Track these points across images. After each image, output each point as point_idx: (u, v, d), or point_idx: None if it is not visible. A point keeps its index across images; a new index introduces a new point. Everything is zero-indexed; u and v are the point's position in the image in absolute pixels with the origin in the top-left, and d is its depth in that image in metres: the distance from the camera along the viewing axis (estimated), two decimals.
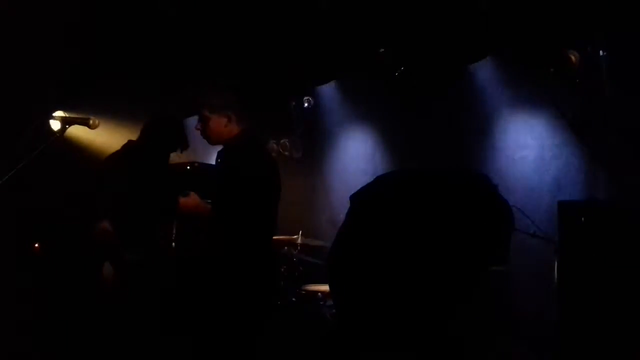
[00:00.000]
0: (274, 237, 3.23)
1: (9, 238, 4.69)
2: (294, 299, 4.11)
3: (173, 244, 3.37)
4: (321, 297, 3.98)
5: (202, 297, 3.04)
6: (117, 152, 3.87)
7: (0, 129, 4.33)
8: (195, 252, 3.35)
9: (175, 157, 4.03)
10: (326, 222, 5.18)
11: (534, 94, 3.94)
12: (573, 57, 3.14)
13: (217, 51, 4.89)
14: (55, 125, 3.10)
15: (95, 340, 3.72)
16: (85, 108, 4.05)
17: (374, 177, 1.69)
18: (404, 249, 1.34)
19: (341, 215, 1.62)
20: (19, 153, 2.61)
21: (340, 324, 1.48)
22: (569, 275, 3.06)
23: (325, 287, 3.92)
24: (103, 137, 4.98)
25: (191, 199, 3.10)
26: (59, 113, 3.15)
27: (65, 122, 2.88)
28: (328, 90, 5.51)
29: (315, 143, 5.60)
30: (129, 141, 3.90)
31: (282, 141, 5.47)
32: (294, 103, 5.42)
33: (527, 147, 4.04)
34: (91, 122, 2.87)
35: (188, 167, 4.19)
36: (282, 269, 4.30)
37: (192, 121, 3.49)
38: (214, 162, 3.37)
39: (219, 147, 3.25)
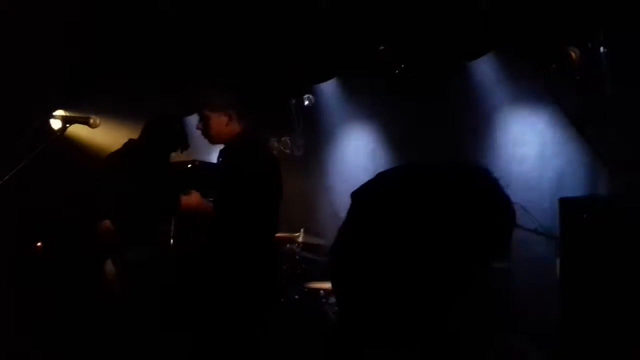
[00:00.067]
0: (276, 235, 3.24)
1: (10, 238, 4.69)
2: (296, 297, 4.12)
3: (172, 241, 3.37)
4: (323, 295, 3.98)
5: (205, 295, 3.04)
6: (118, 151, 3.88)
7: (1, 129, 4.33)
8: (195, 251, 3.35)
9: (176, 156, 4.03)
10: (329, 217, 5.18)
11: (535, 90, 3.93)
12: (574, 54, 3.13)
13: (217, 51, 4.89)
14: (55, 124, 3.10)
15: (98, 339, 3.73)
16: (86, 107, 4.05)
17: (375, 174, 1.69)
18: (404, 245, 1.33)
19: (342, 213, 1.62)
20: (20, 152, 2.61)
21: (343, 321, 1.47)
22: (570, 273, 3.06)
23: (327, 285, 3.92)
24: (104, 136, 4.98)
25: (193, 198, 3.11)
26: (59, 112, 3.15)
27: (66, 121, 2.89)
28: (329, 88, 5.50)
29: (316, 141, 5.60)
30: (130, 140, 3.91)
31: (283, 139, 5.47)
32: (294, 101, 5.42)
33: (528, 144, 4.03)
34: (92, 121, 2.87)
35: (189, 166, 4.19)
36: (284, 267, 4.30)
37: (193, 120, 3.49)
38: (214, 161, 3.37)
39: (220, 146, 3.26)
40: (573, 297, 3.02)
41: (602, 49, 3.33)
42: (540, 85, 3.77)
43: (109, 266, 3.58)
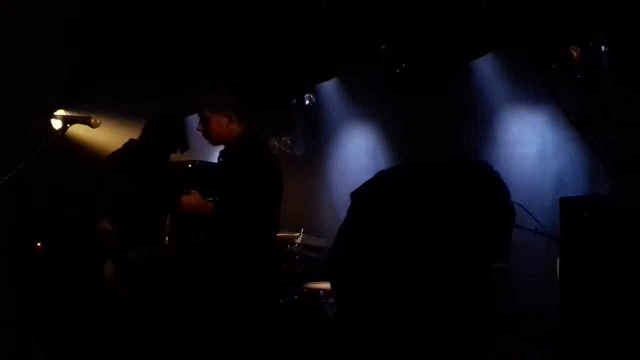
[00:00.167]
0: (276, 235, 3.24)
1: (10, 237, 4.69)
2: (296, 297, 4.11)
3: (167, 238, 3.36)
4: (323, 295, 3.98)
5: (205, 295, 3.04)
6: (118, 151, 3.88)
7: (2, 129, 4.33)
8: (195, 251, 3.35)
9: (176, 156, 4.03)
10: (329, 217, 5.18)
11: (536, 89, 3.93)
12: (574, 53, 3.12)
13: (217, 51, 4.89)
14: (56, 124, 3.10)
15: (98, 339, 3.72)
16: (86, 107, 4.05)
17: (376, 174, 1.68)
18: (404, 245, 1.33)
19: (343, 213, 1.62)
20: (21, 152, 2.61)
21: (342, 321, 1.48)
22: (571, 272, 3.05)
23: (327, 285, 3.92)
24: (104, 136, 4.98)
25: (193, 198, 3.10)
26: (60, 112, 3.15)
27: (67, 121, 2.88)
28: (329, 87, 5.50)
29: (316, 140, 5.60)
30: (130, 140, 3.91)
31: (283, 139, 5.47)
32: (295, 101, 5.42)
33: (529, 143, 4.03)
34: (92, 121, 2.86)
35: (189, 166, 4.19)
36: (284, 267, 4.30)
37: (193, 120, 3.49)
38: (215, 161, 3.37)
39: (221, 147, 3.26)
40: (573, 296, 3.02)
41: (603, 48, 3.32)
42: (541, 85, 3.77)
43: (109, 266, 3.58)
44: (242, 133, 3.15)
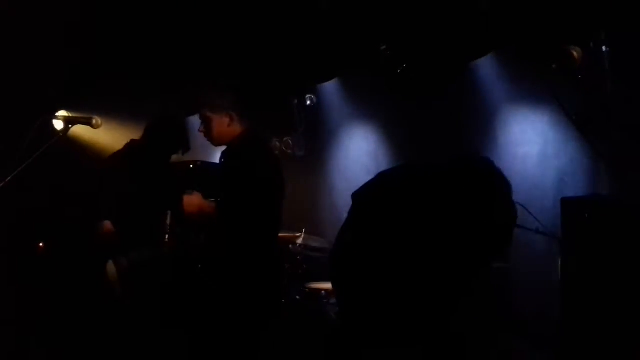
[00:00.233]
0: (278, 235, 3.24)
1: (12, 237, 4.69)
2: (297, 297, 4.11)
3: (167, 236, 3.36)
4: (325, 295, 3.98)
5: (207, 296, 3.04)
6: (119, 151, 3.89)
7: (3, 129, 4.34)
8: (195, 251, 3.35)
9: (177, 157, 4.04)
10: (331, 217, 5.18)
11: (536, 90, 3.92)
12: (575, 53, 3.12)
13: (218, 51, 4.89)
14: (58, 125, 3.10)
15: (99, 340, 3.73)
16: (87, 108, 4.04)
17: (377, 174, 1.68)
18: (406, 245, 1.33)
19: (344, 214, 1.62)
20: (22, 153, 2.61)
21: (344, 321, 1.47)
22: (572, 272, 3.05)
23: (328, 285, 3.92)
24: (105, 136, 4.99)
25: (195, 198, 3.09)
26: (62, 113, 3.15)
27: (68, 121, 2.88)
28: (330, 88, 5.50)
29: (317, 141, 5.60)
30: (131, 141, 3.91)
31: (284, 139, 5.47)
32: (296, 101, 5.42)
33: (530, 143, 4.03)
34: (94, 121, 2.86)
35: (191, 166, 4.19)
36: (286, 267, 4.30)
37: (195, 120, 3.49)
38: (216, 162, 3.37)
39: (223, 148, 3.26)
40: (574, 297, 3.02)
41: (604, 48, 3.32)
42: (542, 85, 3.77)
43: (111, 267, 3.58)
44: (244, 133, 3.15)
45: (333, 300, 3.88)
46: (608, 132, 3.37)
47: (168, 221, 3.37)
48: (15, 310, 4.21)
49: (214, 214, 3.05)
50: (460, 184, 1.39)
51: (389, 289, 1.31)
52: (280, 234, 3.34)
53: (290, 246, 4.45)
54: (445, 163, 1.44)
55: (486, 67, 4.33)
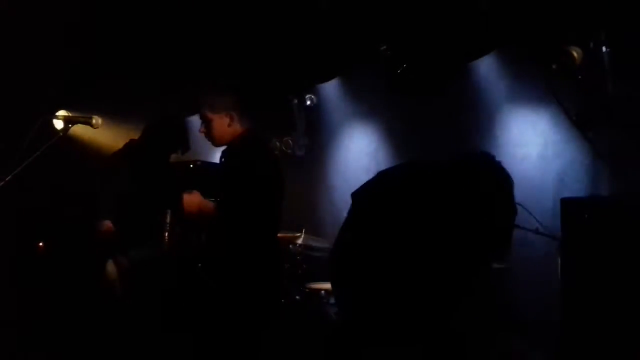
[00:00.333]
0: (277, 235, 3.24)
1: (12, 237, 4.69)
2: (297, 297, 4.11)
3: (166, 234, 3.36)
4: (325, 295, 3.98)
5: (207, 295, 3.04)
6: (119, 151, 3.89)
7: (3, 129, 4.34)
8: (195, 251, 3.35)
9: (177, 157, 4.04)
10: (331, 217, 5.18)
11: (536, 90, 3.92)
12: (575, 54, 3.12)
13: (217, 51, 4.89)
14: (58, 124, 3.10)
15: (99, 340, 3.73)
16: (86, 107, 4.05)
17: (376, 173, 1.68)
18: (405, 244, 1.33)
19: (344, 213, 1.62)
20: (22, 152, 2.61)
21: (344, 321, 1.47)
22: (572, 273, 3.05)
23: (328, 285, 3.92)
24: (105, 136, 4.99)
25: (194, 196, 3.08)
26: (62, 112, 3.15)
27: (68, 121, 2.89)
28: (330, 87, 5.50)
29: (318, 141, 5.60)
30: (131, 140, 3.91)
31: (284, 139, 5.48)
32: (296, 101, 5.42)
33: (530, 144, 4.02)
34: (94, 121, 2.87)
35: (191, 166, 4.19)
36: (286, 267, 4.30)
37: (195, 120, 3.50)
38: (216, 161, 3.37)
39: (223, 148, 3.26)
40: (574, 297, 3.02)
41: (603, 48, 3.32)
42: (542, 85, 3.77)
43: (111, 266, 3.58)
44: (244, 133, 3.15)
45: (333, 300, 3.88)
46: (608, 132, 3.37)
47: (168, 220, 3.37)
48: (15, 310, 4.20)
49: (213, 213, 3.05)
50: (460, 182, 1.38)
51: (388, 289, 1.31)
52: (280, 234, 3.34)
53: (290, 246, 4.45)
54: (445, 161, 1.44)
55: (486, 67, 4.32)
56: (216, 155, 3.40)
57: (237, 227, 2.95)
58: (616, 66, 3.33)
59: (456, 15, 4.03)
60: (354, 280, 1.39)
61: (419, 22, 4.23)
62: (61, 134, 2.87)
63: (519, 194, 1.51)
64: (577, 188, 3.67)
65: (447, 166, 1.44)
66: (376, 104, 5.13)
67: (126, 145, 3.89)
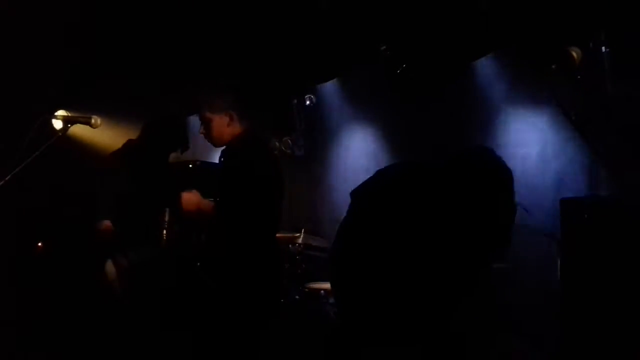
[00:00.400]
0: (277, 235, 3.24)
1: (11, 237, 4.69)
2: (297, 297, 4.11)
3: (164, 232, 3.36)
4: (324, 295, 3.98)
5: (206, 295, 3.04)
6: (118, 151, 3.89)
7: (3, 129, 4.33)
8: (195, 250, 3.35)
9: (177, 156, 4.03)
10: (330, 217, 5.18)
11: (536, 90, 3.92)
12: (575, 54, 3.12)
13: (217, 51, 4.89)
14: (57, 124, 3.10)
15: (98, 340, 3.73)
16: (86, 107, 4.05)
17: (375, 172, 1.68)
18: (405, 243, 1.33)
19: (343, 213, 1.61)
20: (21, 152, 2.61)
21: (343, 320, 1.47)
22: (571, 273, 3.05)
23: (328, 285, 3.92)
24: (105, 136, 4.98)
25: (193, 195, 3.08)
26: (61, 112, 3.15)
27: (68, 121, 2.88)
28: (330, 88, 5.50)
29: (317, 141, 5.59)
30: (130, 140, 3.91)
31: (284, 139, 5.47)
32: (295, 101, 5.42)
33: (529, 144, 4.02)
34: (93, 121, 2.86)
35: (190, 166, 4.19)
36: (285, 267, 4.30)
37: (195, 120, 3.50)
38: (216, 161, 3.37)
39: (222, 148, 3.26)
40: (574, 297, 3.02)
41: (603, 48, 3.32)
42: (541, 86, 3.77)
43: (110, 266, 3.58)
44: (243, 133, 3.15)
45: (332, 300, 3.88)
46: (607, 132, 3.37)
47: (166, 217, 3.37)
48: (15, 311, 4.20)
49: (212, 212, 3.04)
50: (459, 180, 1.38)
51: (388, 288, 1.30)
52: (279, 234, 3.34)
53: (290, 246, 4.45)
54: (444, 160, 1.44)
55: (486, 67, 4.33)
56: (216, 156, 3.39)
57: (236, 227, 2.95)
58: (616, 66, 3.33)
59: (456, 15, 4.03)
60: (353, 279, 1.39)
61: (418, 22, 4.23)
62: (60, 133, 2.87)
63: (518, 194, 1.51)
64: (576, 188, 3.67)
65: (445, 164, 1.44)
66: (376, 104, 5.13)
67: (125, 145, 3.89)
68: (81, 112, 3.40)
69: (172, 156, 4.02)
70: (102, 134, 4.92)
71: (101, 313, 3.76)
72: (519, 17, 3.78)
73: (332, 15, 4.26)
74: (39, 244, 5.09)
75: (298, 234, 4.48)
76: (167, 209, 3.36)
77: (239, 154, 3.09)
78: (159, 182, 3.64)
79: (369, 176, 1.53)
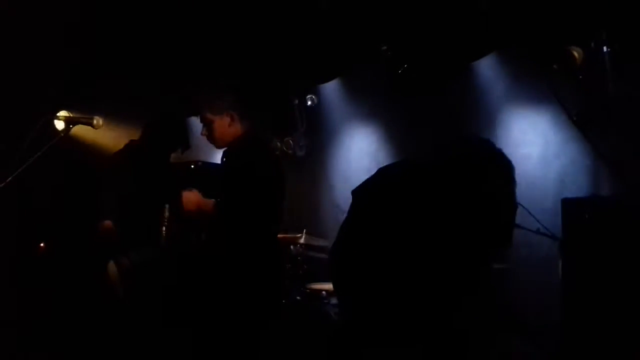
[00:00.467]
0: (278, 236, 3.24)
1: (13, 238, 4.69)
2: (298, 298, 4.11)
3: (164, 229, 3.36)
4: (325, 296, 3.98)
5: (207, 295, 3.04)
6: (119, 151, 3.89)
7: (4, 129, 4.34)
8: (197, 250, 3.35)
9: (178, 157, 4.04)
10: (332, 217, 5.18)
11: (537, 90, 3.92)
12: (576, 54, 3.13)
13: (218, 51, 4.88)
14: (59, 125, 3.10)
15: (100, 340, 3.73)
16: (87, 108, 4.05)
17: (376, 170, 1.67)
18: (406, 242, 1.33)
19: (345, 213, 1.61)
20: (23, 153, 2.61)
21: (344, 320, 1.47)
22: (572, 273, 3.06)
23: (329, 286, 3.92)
24: (106, 136, 4.99)
25: (193, 194, 3.07)
26: (63, 113, 3.15)
27: (69, 121, 2.88)
28: (331, 88, 5.50)
29: (318, 141, 5.59)
30: (131, 140, 3.92)
31: (285, 139, 5.48)
32: (297, 101, 5.42)
33: (531, 144, 4.02)
34: (95, 121, 2.86)
35: (192, 166, 4.19)
36: (287, 268, 4.30)
37: (195, 121, 3.50)
38: (217, 162, 3.37)
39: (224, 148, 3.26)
40: (575, 297, 3.02)
41: (604, 48, 3.32)
42: (542, 85, 3.77)
43: (112, 267, 3.58)
44: (245, 133, 3.15)
45: (334, 301, 3.88)
46: (609, 132, 3.37)
47: (166, 214, 3.37)
48: (16, 311, 4.21)
49: (212, 211, 3.04)
50: (460, 178, 1.38)
51: (388, 287, 1.30)
52: (281, 235, 3.34)
53: (291, 247, 4.45)
54: (443, 159, 1.43)
55: (486, 67, 4.32)
56: (217, 156, 3.40)
57: (237, 227, 2.95)
58: (617, 66, 3.33)
59: (456, 15, 4.03)
60: (354, 278, 1.39)
61: (419, 22, 4.22)
62: (62, 134, 2.86)
63: (519, 194, 1.51)
64: (577, 188, 3.67)
65: (446, 161, 1.43)
66: (377, 104, 5.13)
67: (127, 146, 3.89)
68: (82, 112, 3.40)
69: (173, 156, 4.02)
70: (103, 135, 4.93)
71: (103, 313, 3.77)
72: (519, 17, 3.78)
73: (332, 15, 4.26)
74: (41, 244, 5.09)
75: (299, 235, 4.48)
76: (167, 206, 3.37)
77: (241, 154, 3.09)
78: (161, 183, 3.64)
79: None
